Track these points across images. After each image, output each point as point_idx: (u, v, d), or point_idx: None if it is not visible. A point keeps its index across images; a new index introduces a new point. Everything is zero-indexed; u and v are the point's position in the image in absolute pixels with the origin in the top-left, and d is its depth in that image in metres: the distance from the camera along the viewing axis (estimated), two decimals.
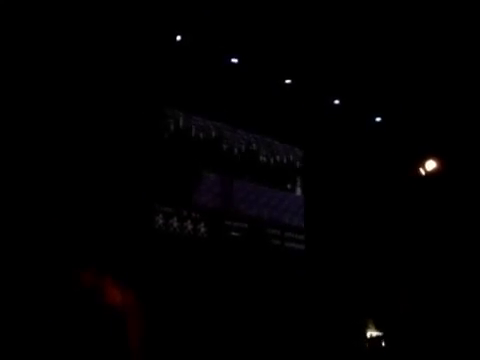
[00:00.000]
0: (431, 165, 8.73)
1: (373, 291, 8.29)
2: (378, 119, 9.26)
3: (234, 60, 8.19)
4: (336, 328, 8.01)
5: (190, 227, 7.97)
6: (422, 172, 8.84)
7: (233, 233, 8.29)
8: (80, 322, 1.52)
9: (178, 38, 7.68)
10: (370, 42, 7.74)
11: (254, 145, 8.77)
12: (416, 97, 8.52)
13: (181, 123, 8.10)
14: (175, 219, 7.86)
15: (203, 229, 8.07)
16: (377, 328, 7.90)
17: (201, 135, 8.24)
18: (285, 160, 9.07)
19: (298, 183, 9.11)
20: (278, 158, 9.00)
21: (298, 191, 9.11)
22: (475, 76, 7.68)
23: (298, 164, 9.18)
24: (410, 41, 7.67)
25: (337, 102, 9.01)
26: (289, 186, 9.05)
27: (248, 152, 8.69)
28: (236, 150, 8.58)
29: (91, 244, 5.90)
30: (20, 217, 5.77)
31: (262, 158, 8.84)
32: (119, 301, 1.62)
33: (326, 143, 9.18)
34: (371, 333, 8.00)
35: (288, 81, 8.63)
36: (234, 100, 8.35)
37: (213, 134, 8.35)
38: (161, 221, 7.71)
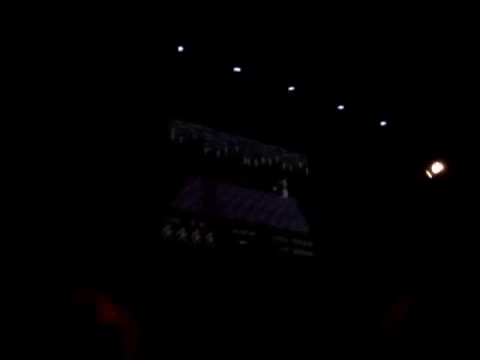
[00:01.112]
0: (438, 168, 8.71)
1: (382, 297, 8.24)
2: (383, 123, 9.23)
3: (236, 69, 8.20)
4: (345, 335, 7.97)
5: (198, 237, 7.97)
6: (429, 175, 8.82)
7: (241, 242, 8.28)
8: (72, 340, 1.51)
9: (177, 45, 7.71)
10: (373, 46, 7.73)
11: (237, 147, 8.66)
12: (421, 100, 8.50)
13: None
14: (183, 230, 7.86)
15: (211, 239, 8.07)
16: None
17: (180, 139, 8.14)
18: (270, 162, 8.95)
19: (284, 185, 9.01)
20: (263, 160, 8.88)
21: (285, 193, 9.01)
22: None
23: (284, 166, 9.05)
24: (414, 44, 7.66)
25: (341, 107, 8.99)
26: (275, 188, 8.95)
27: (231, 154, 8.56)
28: (218, 153, 8.47)
29: (88, 258, 5.93)
30: (16, 227, 5.75)
31: (246, 160, 8.72)
32: (113, 318, 1.60)
33: (330, 148, 9.15)
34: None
35: (291, 88, 8.63)
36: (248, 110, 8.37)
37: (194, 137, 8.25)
38: (169, 232, 7.71)
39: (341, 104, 9.01)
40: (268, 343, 7.44)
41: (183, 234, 7.85)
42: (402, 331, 1.97)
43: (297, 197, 9.01)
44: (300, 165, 9.12)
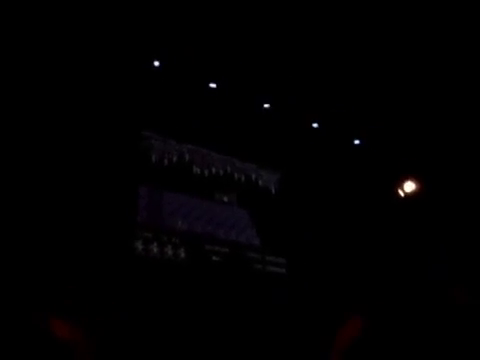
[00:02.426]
0: (410, 186, 8.78)
1: (335, 321, 8.22)
2: (356, 142, 9.29)
3: (212, 85, 8.21)
4: (320, 351, 7.92)
5: (170, 252, 7.90)
6: (401, 194, 8.88)
7: (214, 257, 8.23)
8: (25, 357, 1.51)
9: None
10: (346, 64, 7.79)
11: (187, 156, 8.55)
12: (394, 120, 8.57)
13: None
14: (155, 244, 7.79)
15: (183, 254, 8.01)
16: None
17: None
18: (221, 172, 8.85)
19: (235, 196, 8.90)
20: (214, 170, 8.78)
21: (236, 204, 8.90)
22: (453, 97, 7.75)
23: (236, 176, 8.95)
24: (385, 64, 7.74)
25: (315, 125, 9.04)
26: (226, 199, 8.85)
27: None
28: (166, 161, 8.36)
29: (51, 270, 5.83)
30: None
31: (196, 169, 8.61)
32: (66, 335, 1.62)
33: (303, 166, 9.15)
34: None
35: (266, 106, 8.65)
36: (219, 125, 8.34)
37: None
38: (141, 247, 7.64)
39: (315, 122, 9.04)
40: (245, 354, 7.40)
41: (155, 249, 7.79)
42: (352, 355, 1.98)
43: (249, 209, 8.95)
44: (253, 177, 9.06)
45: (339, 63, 7.84)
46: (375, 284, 8.18)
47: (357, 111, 8.66)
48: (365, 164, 9.18)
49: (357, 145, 9.28)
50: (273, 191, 9.12)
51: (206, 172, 8.62)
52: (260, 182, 9.10)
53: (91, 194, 6.94)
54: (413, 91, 8.01)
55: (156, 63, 7.76)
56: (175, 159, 8.34)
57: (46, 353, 1.56)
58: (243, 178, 8.95)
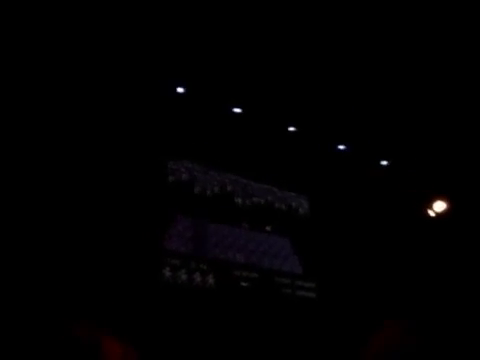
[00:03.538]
0: (441, 206, 8.64)
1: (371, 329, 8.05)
2: (384, 162, 9.19)
3: (236, 110, 8.20)
4: None
5: (199, 279, 7.85)
6: (432, 214, 8.74)
7: (242, 283, 8.16)
8: None
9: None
10: (373, 85, 7.74)
11: (229, 186, 8.55)
12: (421, 139, 8.48)
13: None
14: (183, 271, 7.75)
15: (211, 280, 7.95)
16: None
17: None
18: (263, 201, 8.86)
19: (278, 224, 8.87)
20: (255, 199, 8.78)
21: (279, 233, 8.87)
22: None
23: (277, 205, 8.95)
24: (413, 84, 7.67)
25: (342, 147, 8.97)
26: (268, 228, 8.82)
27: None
28: (209, 192, 8.36)
29: (90, 294, 5.82)
30: (18, 257, 5.68)
31: (237, 200, 8.62)
32: (119, 357, 1.44)
33: (331, 189, 9.09)
34: None
35: (291, 128, 8.61)
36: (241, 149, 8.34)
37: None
38: (169, 274, 7.60)
39: (341, 144, 8.97)
40: None
41: (183, 276, 7.75)
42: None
43: (291, 237, 8.91)
44: (293, 205, 9.04)
45: (363, 84, 7.80)
46: (407, 296, 8.04)
47: (384, 131, 8.58)
48: (394, 185, 9.08)
49: (385, 165, 9.18)
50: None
51: (248, 202, 8.67)
52: (300, 210, 9.09)
53: (122, 221, 6.95)
54: (441, 111, 7.92)
55: (180, 90, 7.77)
56: (217, 190, 8.40)
57: None
58: (284, 207, 8.96)
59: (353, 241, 8.93)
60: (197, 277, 7.87)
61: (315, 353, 7.95)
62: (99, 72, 6.85)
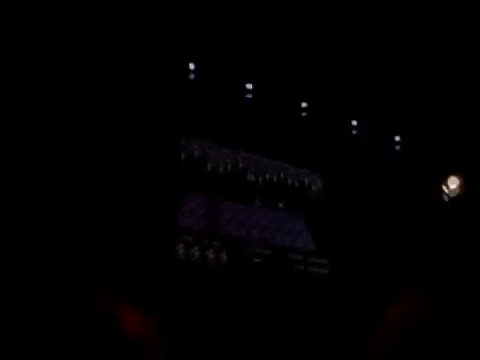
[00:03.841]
0: (454, 182, 8.59)
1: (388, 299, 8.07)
2: (397, 138, 9.14)
3: (248, 86, 8.16)
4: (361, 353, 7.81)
5: (212, 256, 7.88)
6: (445, 190, 8.70)
7: (255, 260, 8.19)
8: (92, 350, 1.38)
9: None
10: (388, 64, 7.68)
11: (241, 164, 8.53)
12: (436, 117, 8.42)
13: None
14: (196, 248, 7.78)
15: (224, 257, 7.98)
16: None
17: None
18: (275, 178, 8.81)
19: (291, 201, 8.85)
20: (267, 176, 8.74)
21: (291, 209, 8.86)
22: None
23: (289, 182, 8.90)
24: (427, 61, 7.61)
25: (355, 123, 8.92)
26: (281, 205, 8.81)
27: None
28: (221, 169, 8.34)
29: (109, 266, 5.89)
30: (37, 234, 5.76)
31: (250, 177, 8.59)
32: (137, 330, 1.45)
33: (344, 165, 9.05)
34: None
35: (304, 104, 8.56)
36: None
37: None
38: (182, 250, 7.64)
39: (354, 120, 8.92)
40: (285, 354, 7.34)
41: (196, 253, 7.78)
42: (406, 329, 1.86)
43: (304, 214, 8.90)
44: (306, 181, 9.01)
45: (378, 64, 7.75)
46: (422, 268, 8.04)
47: (398, 109, 8.52)
48: (408, 162, 9.03)
49: (398, 143, 9.13)
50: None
51: (260, 179, 8.65)
52: (313, 187, 9.06)
53: (137, 197, 6.99)
54: (457, 89, 7.86)
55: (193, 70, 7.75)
56: (229, 167, 8.39)
57: (113, 344, 1.41)
58: (296, 183, 8.93)
59: (366, 218, 8.90)
60: (210, 254, 7.90)
61: (328, 329, 7.99)
62: (116, 49, 6.85)
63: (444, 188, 8.70)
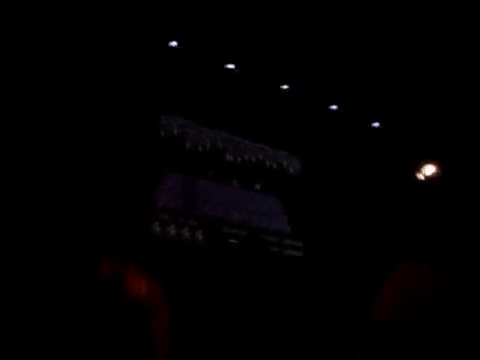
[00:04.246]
0: (430, 170, 8.65)
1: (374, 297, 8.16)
2: (376, 124, 9.19)
3: (229, 66, 8.14)
4: (337, 336, 7.91)
5: (187, 234, 7.88)
6: (421, 177, 8.76)
7: (231, 240, 8.21)
8: (99, 316, 1.36)
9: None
10: (367, 47, 7.70)
11: (220, 144, 8.54)
12: (414, 102, 8.47)
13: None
14: (172, 227, 7.78)
15: (200, 236, 7.99)
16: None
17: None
18: (254, 159, 8.84)
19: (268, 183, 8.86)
20: (246, 157, 8.75)
21: (268, 191, 8.88)
22: (475, 80, 7.63)
23: (268, 163, 8.93)
24: (406, 45, 7.63)
25: (334, 107, 8.95)
26: (258, 186, 8.81)
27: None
28: (200, 148, 8.35)
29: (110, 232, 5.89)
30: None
31: (228, 157, 8.60)
32: (144, 293, 1.43)
33: (320, 148, 9.08)
34: None
35: (284, 87, 8.57)
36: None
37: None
38: (158, 229, 7.63)
39: (333, 104, 8.95)
40: (263, 342, 7.38)
41: (172, 231, 7.77)
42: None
43: (281, 196, 8.93)
44: (285, 164, 9.03)
45: (356, 45, 7.76)
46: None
47: (376, 93, 8.56)
48: (385, 147, 9.09)
49: (377, 128, 9.18)
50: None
51: (239, 159, 8.63)
52: (291, 169, 9.07)
53: (113, 174, 6.95)
54: (434, 74, 7.90)
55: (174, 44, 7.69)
56: (208, 147, 8.35)
57: (121, 309, 1.38)
58: (275, 165, 8.93)
59: (344, 202, 8.96)
60: (186, 232, 7.90)
61: (304, 311, 8.06)
62: (93, 26, 6.78)
63: (419, 175, 8.77)
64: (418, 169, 8.66)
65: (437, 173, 8.53)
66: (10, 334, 1.33)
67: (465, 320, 1.78)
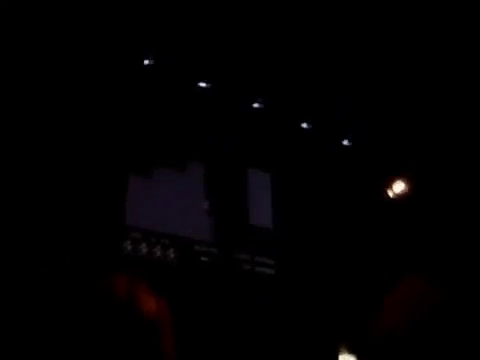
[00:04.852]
0: (399, 187, 8.78)
1: (346, 314, 8.22)
2: (345, 142, 9.27)
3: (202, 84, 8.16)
4: (309, 353, 7.92)
5: (159, 253, 7.83)
6: (390, 194, 8.88)
7: (202, 258, 8.17)
8: (113, 331, 1.36)
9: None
10: (338, 64, 7.79)
11: None
12: (383, 119, 8.58)
13: None
14: (144, 245, 7.71)
15: (172, 255, 7.94)
16: (351, 352, 7.80)
17: None
18: None
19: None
20: None
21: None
22: (444, 95, 7.77)
23: None
24: (376, 62, 7.75)
25: (304, 126, 9.01)
26: None
27: None
28: None
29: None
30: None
31: None
32: (154, 310, 1.45)
33: (292, 167, 9.12)
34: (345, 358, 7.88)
35: (256, 105, 8.61)
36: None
37: None
38: (129, 247, 7.56)
39: (304, 122, 9.02)
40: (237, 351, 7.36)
41: (144, 250, 7.71)
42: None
43: None
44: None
45: (328, 62, 7.85)
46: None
47: (346, 111, 8.66)
48: (355, 165, 9.17)
49: (346, 146, 9.26)
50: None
51: None
52: None
53: (82, 193, 6.90)
54: (403, 90, 8.03)
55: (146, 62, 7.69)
56: None
57: (134, 324, 1.40)
58: None
59: (315, 222, 9.01)
60: (158, 251, 7.85)
61: (271, 327, 8.05)
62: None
63: (389, 191, 8.89)
64: (389, 186, 8.78)
65: (406, 190, 8.66)
66: (23, 344, 1.32)
67: (466, 334, 1.81)
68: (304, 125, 8.99)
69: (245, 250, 8.57)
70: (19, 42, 6.47)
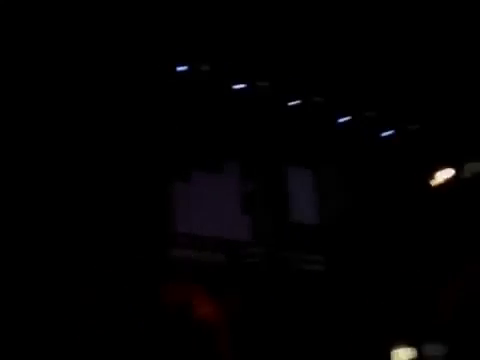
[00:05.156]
0: (444, 175, 8.67)
1: (399, 310, 8.11)
2: (389, 132, 9.15)
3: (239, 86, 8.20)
4: (364, 351, 7.88)
5: (208, 257, 7.89)
6: (435, 183, 8.77)
7: (249, 259, 8.20)
8: (172, 336, 1.42)
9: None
10: (378, 56, 7.73)
11: None
12: (424, 111, 8.49)
13: None
14: (192, 250, 7.79)
15: (220, 258, 7.99)
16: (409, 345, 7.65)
17: None
18: None
19: None
20: None
21: None
22: None
23: None
24: (417, 53, 7.66)
25: (345, 119, 8.95)
26: None
27: None
28: None
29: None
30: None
31: None
32: (211, 315, 1.51)
33: (337, 161, 9.09)
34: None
35: (294, 102, 8.59)
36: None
37: None
38: (179, 253, 7.64)
39: (342, 117, 8.97)
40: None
41: (193, 254, 7.78)
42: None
43: None
44: None
45: (367, 57, 7.80)
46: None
47: (389, 102, 8.58)
48: (396, 156, 9.08)
49: (389, 136, 9.16)
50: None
51: None
52: None
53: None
54: (445, 83, 7.93)
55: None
56: None
57: (190, 330, 1.44)
58: None
59: (362, 217, 8.96)
60: (206, 255, 7.92)
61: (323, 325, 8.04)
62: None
63: (434, 181, 8.78)
64: (433, 175, 8.67)
65: (451, 178, 8.54)
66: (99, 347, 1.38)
67: None
68: (342, 120, 8.93)
69: (290, 248, 8.58)
70: (52, 48, 6.60)
